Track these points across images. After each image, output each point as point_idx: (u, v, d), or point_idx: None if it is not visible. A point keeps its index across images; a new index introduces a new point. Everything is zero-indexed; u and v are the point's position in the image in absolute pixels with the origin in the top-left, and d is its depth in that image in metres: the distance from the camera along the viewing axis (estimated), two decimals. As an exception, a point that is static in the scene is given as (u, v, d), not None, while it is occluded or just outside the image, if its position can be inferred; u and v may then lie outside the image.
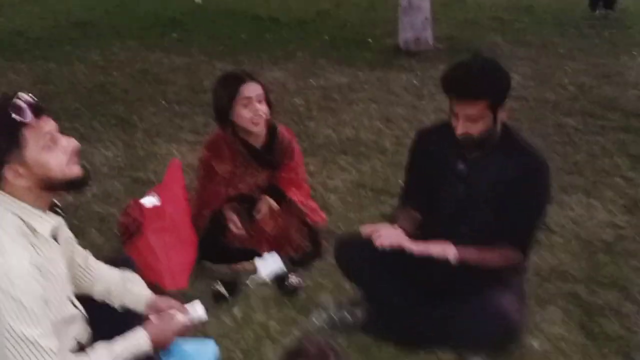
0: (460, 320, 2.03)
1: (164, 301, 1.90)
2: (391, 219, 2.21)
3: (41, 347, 1.47)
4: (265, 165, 2.69)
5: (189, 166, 3.33)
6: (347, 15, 8.18)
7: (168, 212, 2.55)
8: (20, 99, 1.47)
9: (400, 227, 2.03)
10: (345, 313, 2.26)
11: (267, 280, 2.54)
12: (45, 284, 1.53)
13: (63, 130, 4.23)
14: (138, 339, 1.70)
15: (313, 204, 2.84)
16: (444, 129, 2.04)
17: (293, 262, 2.63)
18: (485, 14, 8.20)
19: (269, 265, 2.59)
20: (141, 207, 2.56)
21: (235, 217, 2.63)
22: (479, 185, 2.01)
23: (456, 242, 1.97)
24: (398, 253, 2.10)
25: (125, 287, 1.90)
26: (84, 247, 2.75)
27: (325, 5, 8.75)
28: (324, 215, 2.89)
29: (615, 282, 2.56)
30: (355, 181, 3.44)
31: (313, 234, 2.70)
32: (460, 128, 1.91)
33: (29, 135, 1.46)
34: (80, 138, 3.89)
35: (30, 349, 1.46)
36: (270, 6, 8.66)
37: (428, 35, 6.49)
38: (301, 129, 4.25)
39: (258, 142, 2.66)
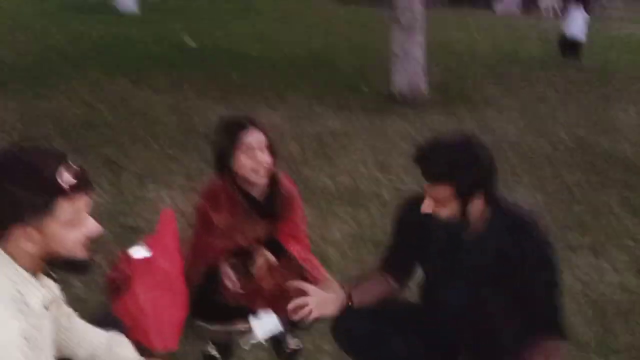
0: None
1: None
2: (360, 279, 2.13)
3: None
4: (265, 216, 2.54)
5: (180, 213, 3.18)
6: (340, 60, 8.22)
7: (160, 267, 2.37)
8: (70, 165, 1.36)
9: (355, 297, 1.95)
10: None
11: (263, 341, 2.37)
12: (31, 355, 1.38)
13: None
14: None
15: (314, 260, 2.68)
16: None
17: (291, 323, 2.45)
18: (476, 61, 8.29)
19: (265, 324, 2.42)
20: (131, 261, 2.38)
21: (231, 272, 2.47)
22: (471, 260, 1.85)
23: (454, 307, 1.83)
24: (403, 324, 1.98)
25: (111, 351, 1.74)
26: (68, 302, 2.60)
27: (320, 52, 8.79)
28: (325, 272, 2.73)
29: (631, 347, 2.42)
30: (354, 233, 3.31)
31: (313, 292, 2.53)
32: (425, 206, 1.76)
33: (62, 206, 1.34)
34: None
35: None
36: (264, 49, 8.68)
37: (422, 83, 6.50)
38: (297, 176, 4.12)
39: (258, 192, 2.52)
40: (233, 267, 2.50)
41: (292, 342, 2.32)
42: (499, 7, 19.86)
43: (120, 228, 3.30)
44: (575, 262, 3.11)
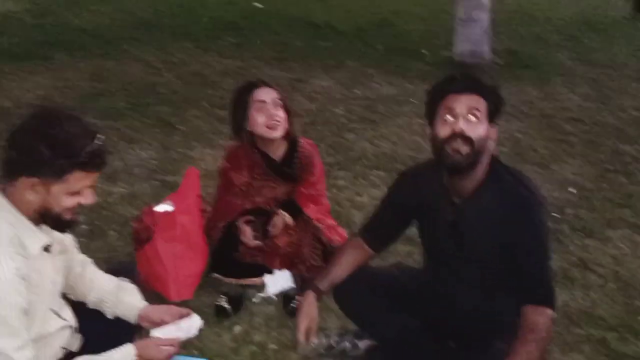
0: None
1: (159, 312, 1.87)
2: (338, 249, 2.18)
3: (9, 356, 1.46)
4: (284, 178, 2.62)
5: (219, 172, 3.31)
6: (406, 25, 8.02)
7: (180, 222, 2.51)
8: (98, 143, 1.52)
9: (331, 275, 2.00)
10: (347, 343, 2.15)
11: (274, 297, 2.47)
12: (29, 295, 1.53)
13: (106, 130, 4.32)
14: (123, 357, 1.67)
15: (331, 221, 2.74)
16: (431, 173, 1.90)
17: (304, 282, 2.53)
18: (553, 29, 7.84)
19: (278, 282, 2.52)
20: (154, 214, 2.54)
21: (248, 230, 2.57)
22: (470, 235, 1.85)
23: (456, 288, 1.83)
24: (403, 292, 2.00)
25: (117, 297, 1.88)
26: (101, 248, 2.83)
27: (385, 15, 8.62)
28: (343, 233, 2.78)
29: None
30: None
31: (328, 253, 2.59)
32: (460, 124, 1.70)
33: (75, 177, 1.51)
34: (119, 137, 4.10)
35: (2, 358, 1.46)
36: (329, 13, 8.61)
37: (485, 48, 6.25)
38: (338, 141, 4.16)
39: (277, 154, 2.59)
40: (251, 225, 2.60)
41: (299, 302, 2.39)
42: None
43: (160, 183, 3.49)
44: (612, 238, 2.98)
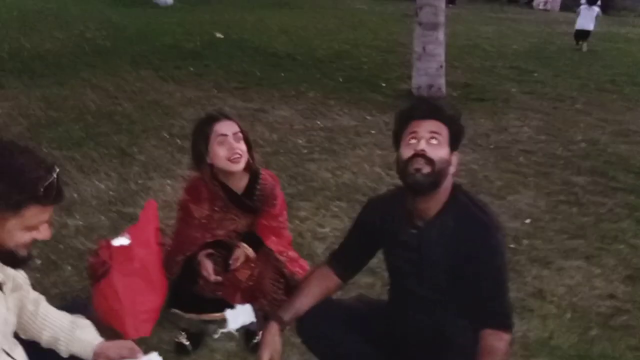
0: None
1: (116, 348, 1.80)
2: (304, 279, 2.16)
3: None
4: (245, 210, 2.59)
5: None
6: (364, 57, 8.20)
7: (138, 255, 2.45)
8: (53, 177, 1.45)
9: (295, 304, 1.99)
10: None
11: (235, 332, 2.42)
12: None
13: (62, 160, 4.21)
14: None
15: (293, 254, 2.71)
16: (396, 198, 1.94)
17: (266, 317, 2.49)
18: (504, 62, 8.15)
19: (239, 316, 2.47)
20: (111, 248, 2.47)
21: (208, 263, 2.52)
22: (430, 257, 1.88)
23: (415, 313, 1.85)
24: (367, 324, 2.00)
25: (72, 334, 1.81)
26: (55, 283, 2.73)
27: (344, 46, 8.79)
28: (305, 265, 2.76)
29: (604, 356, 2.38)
30: (344, 228, 3.32)
31: (290, 287, 2.56)
32: (421, 144, 1.78)
33: (31, 211, 1.44)
34: (76, 168, 4.01)
35: None
36: (290, 44, 8.73)
37: (441, 81, 6.44)
38: (300, 171, 4.18)
39: (239, 186, 2.57)
40: (211, 259, 2.56)
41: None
42: (537, 2, 19.42)
43: (118, 215, 3.41)
44: (567, 268, 3.06)
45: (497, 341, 1.75)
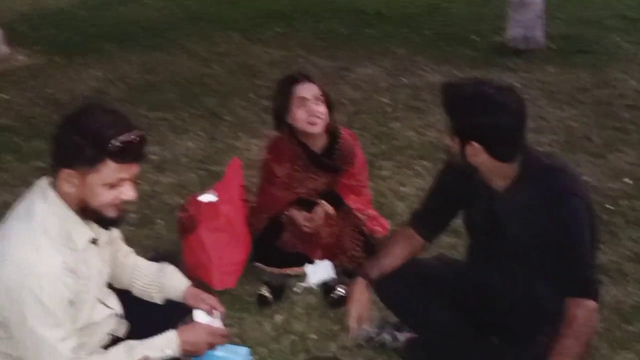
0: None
1: (200, 299, 1.90)
2: (389, 238, 2.16)
3: (57, 350, 1.52)
4: (325, 170, 2.61)
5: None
6: (456, 10, 7.83)
7: (223, 211, 2.55)
8: (132, 136, 1.51)
9: (378, 268, 1.98)
10: (387, 335, 2.14)
11: (314, 287, 2.48)
12: (75, 286, 1.57)
13: (156, 121, 4.40)
14: (165, 342, 1.69)
15: (373, 212, 2.72)
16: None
17: (345, 273, 2.53)
18: (610, 11, 7.47)
19: (319, 272, 2.53)
20: (198, 204, 2.59)
21: (299, 214, 2.56)
22: (509, 227, 1.81)
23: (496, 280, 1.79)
24: (446, 285, 1.97)
25: (161, 280, 1.92)
26: (148, 236, 2.91)
27: (436, 1, 8.44)
28: (385, 223, 2.76)
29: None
30: (426, 188, 3.26)
31: (369, 244, 2.58)
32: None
33: (107, 167, 1.50)
34: (168, 128, 4.20)
35: (46, 351, 1.51)
36: (379, 0, 8.51)
37: (539, 33, 6.03)
38: (383, 130, 4.12)
39: (318, 146, 2.59)
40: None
41: (342, 292, 2.40)
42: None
43: (207, 173, 3.55)
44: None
45: (579, 308, 1.68)
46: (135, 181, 1.59)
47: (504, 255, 1.86)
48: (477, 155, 1.73)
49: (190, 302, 1.88)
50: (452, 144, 1.77)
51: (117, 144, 1.48)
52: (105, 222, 1.61)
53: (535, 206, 1.74)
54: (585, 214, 1.73)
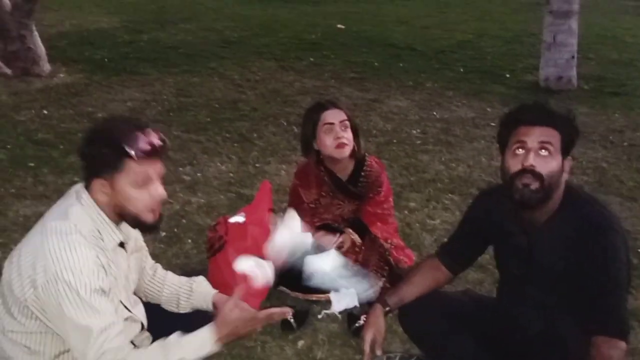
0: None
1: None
2: (413, 267, 2.13)
3: (99, 339, 1.52)
4: (350, 197, 2.63)
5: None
6: (488, 47, 7.90)
7: (251, 233, 2.57)
8: (146, 134, 1.59)
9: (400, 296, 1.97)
10: (404, 363, 2.12)
11: (338, 314, 2.47)
12: (108, 280, 1.60)
13: (189, 142, 4.49)
14: (201, 337, 1.65)
15: (399, 242, 2.72)
16: (506, 196, 1.81)
17: (370, 302, 2.52)
18: (645, 54, 7.45)
19: (343, 300, 2.52)
20: (227, 225, 2.62)
21: (327, 238, 2.57)
22: (542, 262, 1.78)
23: (525, 312, 1.77)
24: (472, 319, 1.96)
25: (191, 288, 1.95)
26: (177, 255, 2.95)
27: (467, 36, 8.52)
28: (411, 254, 2.76)
29: None
30: (453, 222, 3.25)
31: (394, 274, 2.57)
32: (530, 159, 1.65)
33: (129, 167, 1.58)
34: (201, 150, 4.28)
35: (90, 339, 1.52)
36: (410, 35, 8.62)
37: (572, 73, 6.04)
38: (412, 162, 4.14)
39: (344, 172, 2.62)
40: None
41: (365, 318, 2.38)
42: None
43: (236, 195, 3.60)
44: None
45: (610, 349, 1.63)
46: (163, 181, 1.64)
47: (535, 287, 1.84)
48: (568, 170, 1.74)
49: (219, 306, 1.87)
50: (549, 164, 1.68)
51: (132, 142, 1.55)
52: (144, 227, 1.68)
53: (574, 238, 1.70)
54: (624, 252, 1.71)
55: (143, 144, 1.57)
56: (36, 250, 1.55)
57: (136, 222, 1.65)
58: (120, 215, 1.63)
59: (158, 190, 1.63)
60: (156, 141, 1.61)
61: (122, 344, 1.57)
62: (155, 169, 1.62)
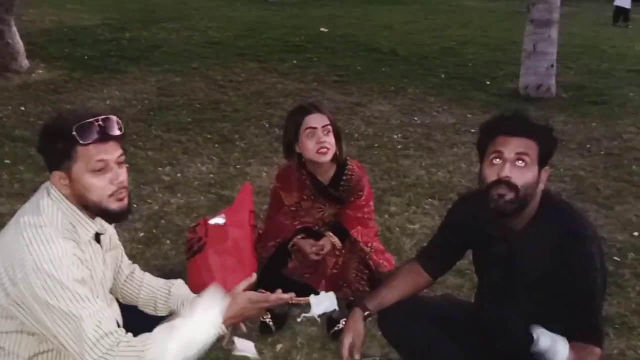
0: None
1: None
2: (394, 272, 2.11)
3: (87, 326, 1.48)
4: (332, 200, 2.63)
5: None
6: (471, 55, 7.98)
7: (231, 235, 2.56)
8: (96, 120, 1.56)
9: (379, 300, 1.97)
10: (384, 369, 2.12)
11: (317, 318, 2.46)
12: (86, 273, 1.57)
13: (169, 142, 4.44)
14: (209, 320, 1.63)
15: (379, 246, 2.72)
16: (486, 202, 1.81)
17: (349, 306, 2.52)
18: (624, 65, 7.60)
19: (323, 303, 2.49)
20: (207, 227, 2.60)
21: (307, 244, 2.56)
22: (521, 269, 1.80)
23: (506, 319, 1.78)
24: (451, 324, 1.96)
25: (169, 292, 1.91)
26: (156, 256, 2.91)
27: (450, 43, 8.61)
28: (391, 258, 2.75)
29: None
30: (433, 226, 3.27)
31: (374, 278, 2.57)
32: (506, 171, 1.66)
33: (82, 154, 1.56)
34: (181, 150, 4.24)
35: (79, 327, 1.48)
36: (393, 40, 8.68)
37: (552, 82, 6.13)
38: (393, 166, 4.15)
39: (326, 176, 2.61)
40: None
41: (345, 322, 2.38)
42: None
43: (217, 197, 3.57)
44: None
45: (586, 355, 1.66)
46: (122, 164, 1.61)
47: (515, 294, 1.85)
48: (545, 179, 1.74)
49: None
50: (525, 175, 1.68)
51: (80, 129, 1.54)
52: (111, 216, 1.64)
53: (552, 245, 1.73)
54: (600, 260, 1.73)
55: (92, 129, 1.55)
56: (11, 246, 1.52)
57: (102, 212, 1.62)
58: (85, 206, 1.60)
59: (117, 175, 1.60)
60: (107, 125, 1.58)
61: (116, 329, 1.53)
62: (110, 154, 1.59)
